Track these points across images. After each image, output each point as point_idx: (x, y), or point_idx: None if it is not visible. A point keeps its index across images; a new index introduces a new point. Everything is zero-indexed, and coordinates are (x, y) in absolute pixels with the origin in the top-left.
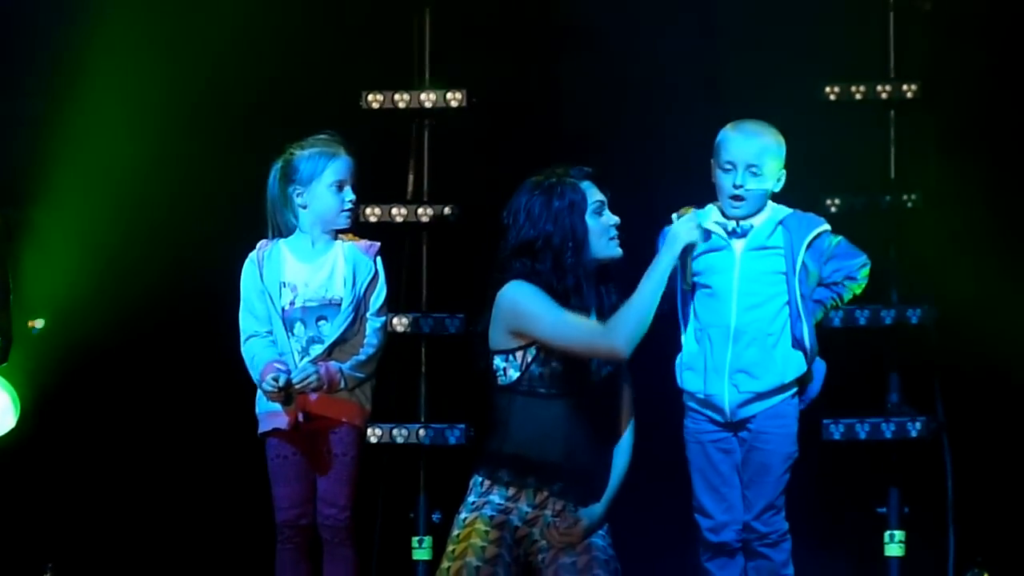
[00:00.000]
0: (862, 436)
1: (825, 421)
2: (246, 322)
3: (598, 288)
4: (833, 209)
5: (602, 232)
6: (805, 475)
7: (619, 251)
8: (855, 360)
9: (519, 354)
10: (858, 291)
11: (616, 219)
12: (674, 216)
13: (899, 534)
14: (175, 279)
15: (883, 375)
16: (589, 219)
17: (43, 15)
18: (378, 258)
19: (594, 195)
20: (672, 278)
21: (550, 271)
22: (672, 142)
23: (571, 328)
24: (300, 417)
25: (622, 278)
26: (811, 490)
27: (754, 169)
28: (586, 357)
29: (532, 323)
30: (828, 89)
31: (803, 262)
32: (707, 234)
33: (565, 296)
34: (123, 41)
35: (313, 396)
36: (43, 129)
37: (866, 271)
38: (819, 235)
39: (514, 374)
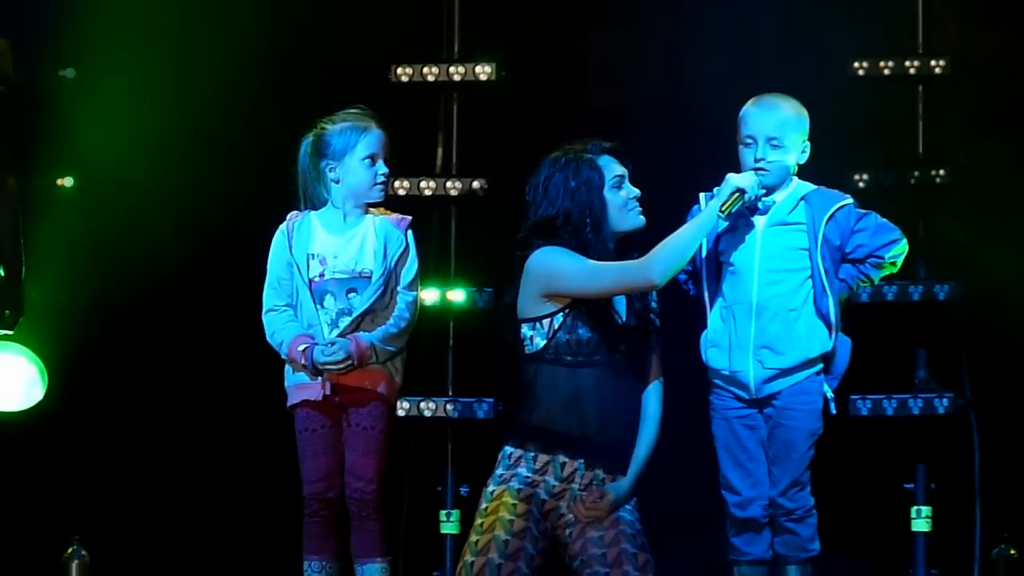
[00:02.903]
0: (889, 412)
1: (852, 397)
2: (268, 294)
3: (622, 259)
4: (861, 184)
5: (622, 205)
6: (832, 451)
7: (641, 219)
8: (882, 336)
9: (546, 321)
10: (892, 270)
11: (636, 191)
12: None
13: (926, 510)
14: (205, 251)
15: (910, 351)
16: (608, 193)
17: None
18: (409, 232)
19: (613, 169)
20: (696, 257)
21: (571, 247)
22: (702, 118)
23: (604, 270)
24: (329, 389)
25: (648, 248)
26: (838, 466)
27: (774, 142)
28: (622, 293)
29: (565, 279)
30: (856, 64)
31: (824, 236)
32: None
33: None
34: (155, 12)
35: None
36: (73, 97)
37: (897, 249)
38: (840, 208)
39: (540, 342)
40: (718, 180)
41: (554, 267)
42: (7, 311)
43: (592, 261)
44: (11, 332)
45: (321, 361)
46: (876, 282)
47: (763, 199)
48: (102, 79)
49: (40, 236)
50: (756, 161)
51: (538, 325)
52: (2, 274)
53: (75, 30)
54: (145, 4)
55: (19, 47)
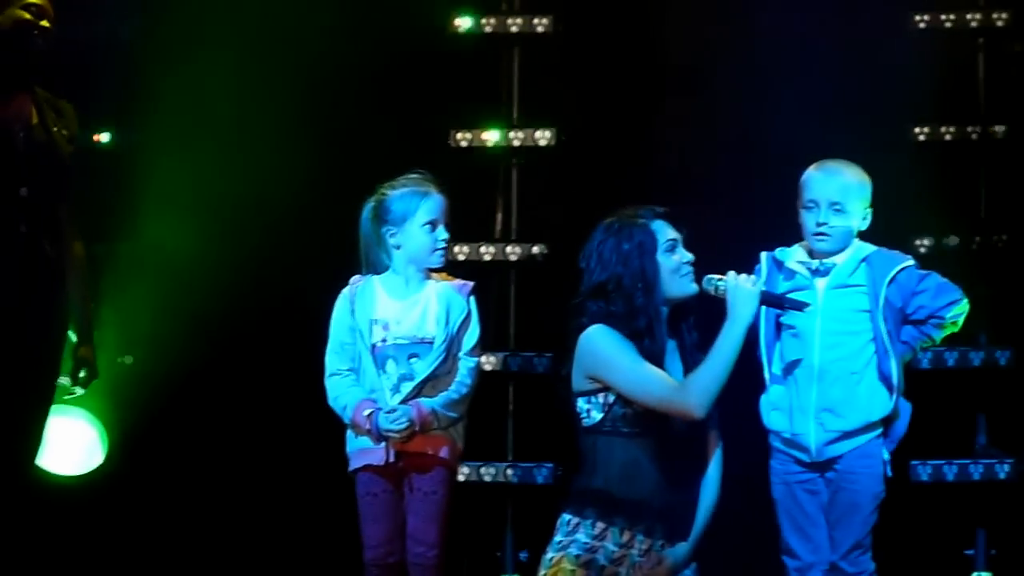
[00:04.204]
0: (950, 478)
1: (913, 462)
2: (331, 359)
3: (679, 326)
4: (922, 249)
5: (674, 270)
6: (892, 516)
7: (694, 287)
8: (943, 402)
9: (600, 396)
10: (954, 330)
11: (690, 256)
12: (717, 282)
13: None
14: (265, 316)
15: (971, 417)
16: (661, 257)
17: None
18: (471, 298)
19: (666, 234)
20: (757, 318)
21: (623, 313)
22: (765, 183)
23: (647, 383)
24: (391, 455)
25: (704, 314)
26: (898, 531)
27: (837, 207)
28: (660, 411)
29: (609, 372)
30: (918, 130)
31: (886, 298)
32: (791, 273)
33: (639, 337)
34: (213, 75)
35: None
36: (128, 163)
37: (958, 309)
38: (902, 270)
39: (597, 415)
40: (783, 243)
41: (602, 356)
42: (82, 371)
43: (641, 364)
44: (83, 392)
45: (385, 428)
46: (938, 342)
47: (824, 261)
48: (160, 141)
49: (103, 300)
50: (818, 225)
51: (593, 399)
52: (74, 339)
53: (131, 93)
54: (204, 70)
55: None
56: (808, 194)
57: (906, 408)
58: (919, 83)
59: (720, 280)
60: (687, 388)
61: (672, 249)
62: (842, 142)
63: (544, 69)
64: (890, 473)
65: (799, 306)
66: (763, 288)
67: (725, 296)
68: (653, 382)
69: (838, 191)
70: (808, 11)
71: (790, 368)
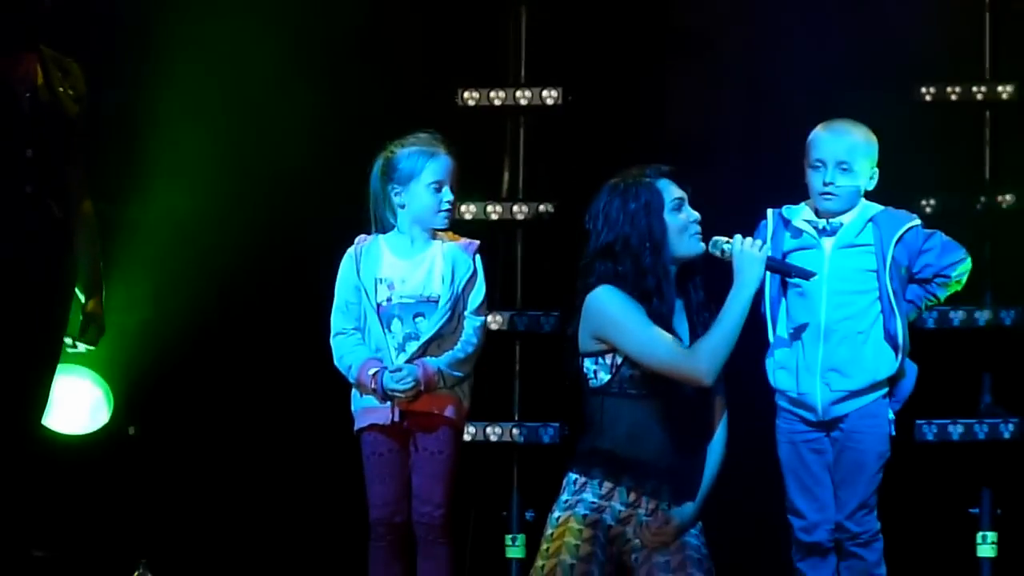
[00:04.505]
0: (955, 437)
1: (918, 422)
2: (336, 318)
3: (686, 285)
4: (928, 209)
5: (682, 229)
6: (898, 475)
7: (701, 246)
8: (948, 361)
9: (608, 357)
10: (957, 288)
11: (696, 215)
12: (723, 245)
13: (992, 535)
14: (272, 275)
15: (977, 376)
16: (668, 216)
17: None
18: (477, 256)
19: (672, 192)
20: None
21: (631, 273)
22: (771, 144)
23: (655, 347)
24: (397, 415)
25: (711, 274)
26: (904, 490)
27: (844, 166)
28: (667, 376)
29: (617, 334)
30: (924, 90)
31: (893, 257)
32: (797, 231)
33: (648, 297)
34: (221, 35)
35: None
36: (139, 123)
37: (963, 268)
38: (909, 230)
39: (604, 376)
40: (790, 203)
41: (610, 317)
42: (90, 327)
43: (649, 328)
44: (93, 347)
45: (390, 387)
46: (942, 301)
47: (831, 221)
48: (166, 101)
49: (111, 261)
50: (825, 184)
51: (601, 360)
52: (82, 298)
53: (139, 54)
54: (211, 28)
55: (90, 70)
56: (815, 153)
57: (912, 369)
58: (925, 43)
59: (727, 243)
60: (695, 354)
61: (679, 208)
62: (849, 102)
63: (552, 28)
64: (894, 432)
65: (805, 275)
66: (769, 253)
67: (731, 259)
68: (661, 346)
69: (845, 150)
70: None
71: (796, 327)
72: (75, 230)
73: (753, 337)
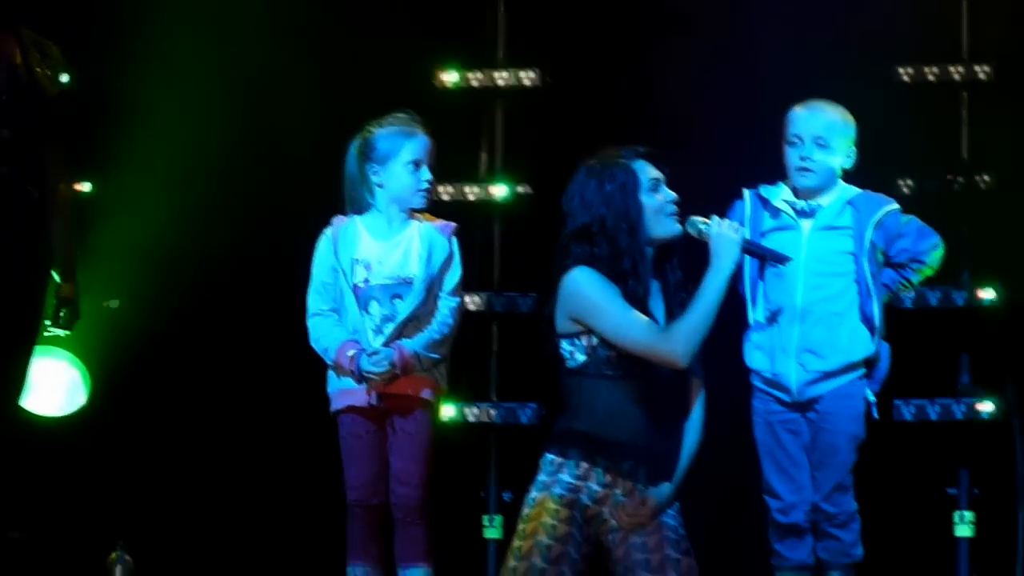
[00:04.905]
0: (933, 417)
1: (896, 401)
2: (312, 299)
3: (663, 266)
4: (906, 190)
5: (658, 210)
6: (875, 455)
7: (678, 227)
8: (926, 341)
9: (584, 338)
10: (930, 273)
11: (674, 195)
12: (700, 225)
13: (969, 515)
14: (248, 256)
15: (954, 356)
16: (644, 197)
17: None
18: (454, 238)
19: (648, 173)
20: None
21: (607, 254)
22: (750, 124)
23: (631, 328)
24: (373, 398)
25: (688, 255)
26: (881, 470)
27: (820, 141)
28: (644, 356)
29: (593, 316)
30: (902, 70)
31: (871, 241)
32: (776, 212)
33: (624, 278)
34: (196, 13)
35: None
36: (116, 106)
37: (937, 254)
38: (887, 214)
39: (581, 357)
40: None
41: (584, 299)
42: (64, 311)
43: (625, 309)
44: (69, 332)
45: (366, 370)
46: (916, 285)
47: (808, 201)
48: (144, 84)
49: (88, 243)
50: (802, 159)
51: (577, 341)
52: (58, 280)
53: (120, 35)
54: (192, 13)
55: (71, 53)
56: (793, 129)
57: (885, 350)
58: (903, 23)
59: (704, 223)
60: (671, 336)
61: (655, 188)
62: (828, 83)
63: (531, 9)
64: (876, 415)
65: (781, 259)
66: (747, 235)
67: (708, 240)
68: (637, 328)
69: (823, 126)
70: None
71: (773, 308)
72: (51, 212)
73: (731, 317)
